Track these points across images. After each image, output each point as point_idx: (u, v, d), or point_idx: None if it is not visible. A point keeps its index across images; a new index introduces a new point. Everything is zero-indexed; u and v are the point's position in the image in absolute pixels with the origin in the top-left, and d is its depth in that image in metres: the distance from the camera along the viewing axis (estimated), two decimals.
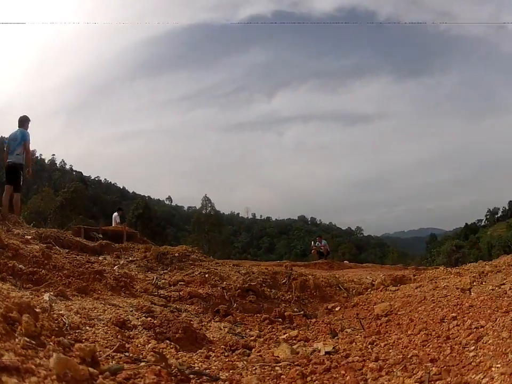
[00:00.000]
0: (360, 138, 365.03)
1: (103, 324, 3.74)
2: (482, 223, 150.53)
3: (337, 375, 3.04)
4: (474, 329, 3.52)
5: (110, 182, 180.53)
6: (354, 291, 7.83)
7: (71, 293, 4.89)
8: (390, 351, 3.51)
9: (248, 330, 5.17)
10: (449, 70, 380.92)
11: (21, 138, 12.51)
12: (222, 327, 5.09)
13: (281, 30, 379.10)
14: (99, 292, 5.48)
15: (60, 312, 3.64)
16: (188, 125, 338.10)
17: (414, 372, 2.92)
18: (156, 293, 6.21)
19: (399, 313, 5.01)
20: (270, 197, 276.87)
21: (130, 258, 8.43)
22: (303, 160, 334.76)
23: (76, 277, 5.62)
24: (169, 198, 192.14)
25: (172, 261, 8.37)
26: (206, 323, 5.22)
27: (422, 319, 4.33)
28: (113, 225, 22.59)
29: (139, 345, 3.36)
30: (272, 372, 3.14)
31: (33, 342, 2.24)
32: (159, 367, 2.42)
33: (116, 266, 7.38)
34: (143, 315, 4.61)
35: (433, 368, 2.91)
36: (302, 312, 6.43)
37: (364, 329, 4.68)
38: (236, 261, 17.33)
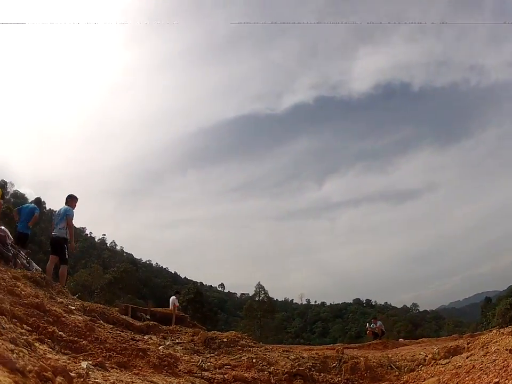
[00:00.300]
0: (410, 214, 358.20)
1: None
2: None
3: None
4: None
5: (162, 266, 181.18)
6: (406, 368, 7.57)
7: (110, 366, 4.89)
8: None
9: None
10: (485, 126, 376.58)
11: (64, 214, 13.41)
12: None
13: (325, 115, 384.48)
14: (140, 368, 5.45)
15: (96, 380, 3.69)
16: (240, 215, 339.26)
17: None
18: (199, 375, 6.14)
19: None
20: (324, 282, 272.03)
21: (177, 341, 8.32)
22: (356, 243, 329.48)
23: (118, 351, 5.64)
24: (221, 285, 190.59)
25: (220, 346, 8.21)
26: None
27: None
28: (170, 307, 22.77)
29: None
30: None
31: None
32: None
33: (161, 347, 7.33)
34: None
35: None
36: None
37: None
38: (288, 346, 17.04)
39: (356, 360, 7.78)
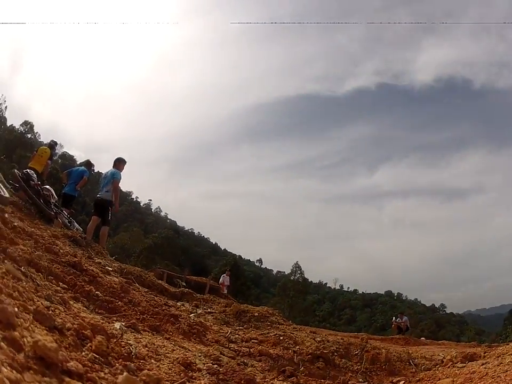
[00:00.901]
0: (455, 214, 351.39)
1: (169, 361, 3.86)
2: None
3: None
4: None
5: (203, 236, 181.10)
6: (423, 367, 7.58)
7: (143, 328, 5.01)
8: None
9: None
10: None
11: (111, 176, 13.37)
12: None
13: (385, 102, 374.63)
14: (170, 333, 5.55)
15: (129, 341, 3.77)
16: (288, 193, 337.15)
17: None
18: (227, 346, 6.24)
19: None
20: (360, 269, 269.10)
21: (209, 310, 8.46)
22: (398, 235, 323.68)
23: (150, 315, 5.74)
24: (259, 260, 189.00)
25: (250, 320, 8.31)
26: (269, 380, 5.25)
27: None
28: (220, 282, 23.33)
29: None
30: None
31: (101, 359, 2.40)
32: None
33: (193, 314, 7.46)
34: (210, 361, 4.68)
35: None
36: (365, 383, 6.34)
37: None
38: (314, 328, 17.14)
39: (377, 351, 7.82)
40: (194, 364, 4.23)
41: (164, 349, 4.44)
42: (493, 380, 4.69)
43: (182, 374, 3.56)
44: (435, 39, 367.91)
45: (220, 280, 24.57)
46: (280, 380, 5.47)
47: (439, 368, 6.99)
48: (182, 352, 4.63)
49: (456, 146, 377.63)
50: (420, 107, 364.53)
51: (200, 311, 8.03)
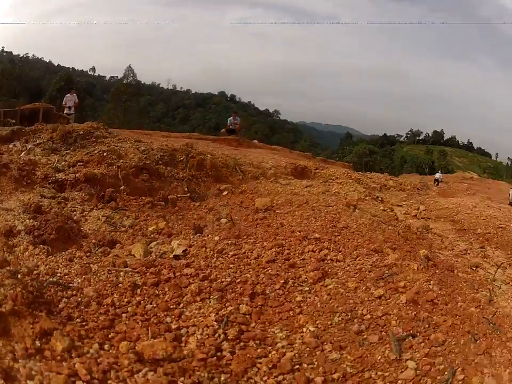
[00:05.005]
0: (301, 32, 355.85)
1: None
2: (401, 139, 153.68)
3: (160, 291, 3.15)
4: (330, 261, 3.56)
5: (38, 57, 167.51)
6: (250, 175, 7.88)
7: None
8: (231, 266, 3.56)
9: (125, 218, 5.26)
10: None
11: None
12: (100, 217, 5.29)
13: None
14: (2, 186, 5.58)
15: None
16: None
17: (226, 305, 3.00)
18: (54, 178, 6.35)
19: (277, 211, 5.08)
20: (195, 70, 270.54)
21: (37, 141, 8.27)
22: (239, 41, 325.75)
23: None
24: (92, 69, 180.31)
25: (76, 140, 8.30)
26: (87, 212, 5.37)
27: (292, 226, 4.36)
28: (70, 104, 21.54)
29: (19, 255, 3.36)
30: (115, 278, 3.26)
31: None
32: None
33: (23, 153, 7.36)
34: (28, 216, 4.64)
35: (245, 306, 2.99)
36: (188, 195, 6.48)
37: (234, 225, 4.77)
38: (147, 131, 16.95)
39: (202, 157, 7.98)
40: (15, 227, 4.23)
41: None
42: (312, 212, 4.80)
43: (5, 248, 3.63)
44: None
45: (63, 101, 22.99)
46: (99, 209, 5.53)
47: (262, 182, 7.27)
48: (4, 217, 4.54)
49: None
50: None
51: (30, 146, 7.90)
